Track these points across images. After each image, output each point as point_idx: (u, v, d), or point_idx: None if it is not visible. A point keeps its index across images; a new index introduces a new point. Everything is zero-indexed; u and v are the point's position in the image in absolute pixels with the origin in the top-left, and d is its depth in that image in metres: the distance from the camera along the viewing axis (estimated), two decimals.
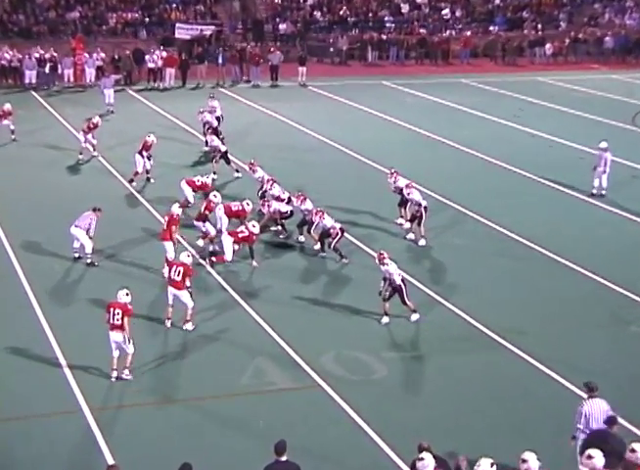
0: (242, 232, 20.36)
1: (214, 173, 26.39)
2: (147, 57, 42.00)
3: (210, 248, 21.16)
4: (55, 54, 41.19)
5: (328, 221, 21.01)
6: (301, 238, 22.02)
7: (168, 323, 17.51)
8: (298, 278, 20.28)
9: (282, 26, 50.75)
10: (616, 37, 52.26)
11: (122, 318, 15.34)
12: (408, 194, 22.55)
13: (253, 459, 12.34)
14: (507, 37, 52.31)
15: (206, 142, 28.81)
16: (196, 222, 21.52)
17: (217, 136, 28.32)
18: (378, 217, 23.77)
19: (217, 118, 30.57)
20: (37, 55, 40.77)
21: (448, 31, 53.04)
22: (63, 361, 16.09)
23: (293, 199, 22.37)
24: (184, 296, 17.41)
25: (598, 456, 10.98)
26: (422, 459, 11.00)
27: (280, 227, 22.44)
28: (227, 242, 20.38)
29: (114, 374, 15.50)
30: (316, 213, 21.18)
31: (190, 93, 40.70)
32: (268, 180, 23.35)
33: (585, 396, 13.01)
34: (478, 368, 16.36)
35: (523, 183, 27.59)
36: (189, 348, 16.95)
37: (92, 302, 18.42)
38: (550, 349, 16.97)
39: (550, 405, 15.02)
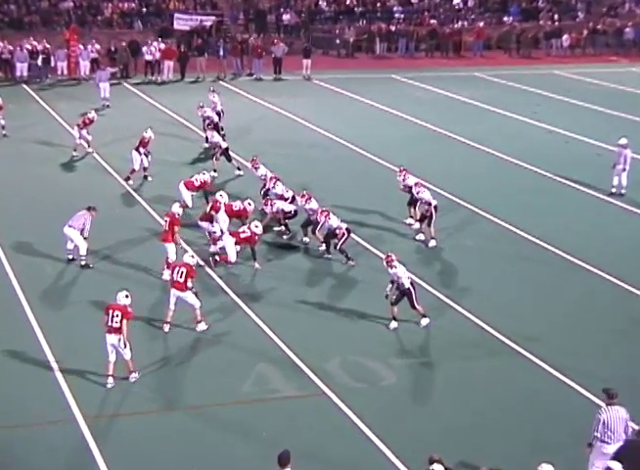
0: (244, 232, 20.25)
1: (215, 171, 26.26)
2: (144, 49, 41.53)
3: (212, 248, 20.91)
4: (48, 45, 40.60)
5: (334, 221, 20.85)
6: (306, 239, 21.85)
7: (166, 327, 17.36)
8: (303, 281, 20.09)
9: (285, 17, 50.31)
10: (636, 28, 51.67)
11: (121, 321, 15.25)
12: (418, 193, 22.37)
13: None
14: (522, 28, 51.68)
15: (207, 138, 28.57)
16: (200, 223, 21.35)
17: (218, 132, 28.12)
18: (386, 217, 23.54)
19: (218, 114, 30.34)
20: (29, 46, 40.17)
21: (460, 22, 52.56)
22: (55, 367, 15.88)
23: (297, 198, 22.22)
24: (189, 297, 17.29)
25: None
26: None
27: (283, 227, 22.26)
28: (229, 243, 20.21)
29: (110, 380, 15.31)
30: (321, 213, 21.03)
31: (189, 87, 40.36)
32: (271, 178, 23.18)
33: (604, 403, 12.86)
34: (490, 375, 16.19)
35: (538, 181, 27.31)
36: (189, 353, 16.78)
37: (86, 305, 18.25)
38: (565, 355, 16.78)
39: (566, 415, 14.87)
